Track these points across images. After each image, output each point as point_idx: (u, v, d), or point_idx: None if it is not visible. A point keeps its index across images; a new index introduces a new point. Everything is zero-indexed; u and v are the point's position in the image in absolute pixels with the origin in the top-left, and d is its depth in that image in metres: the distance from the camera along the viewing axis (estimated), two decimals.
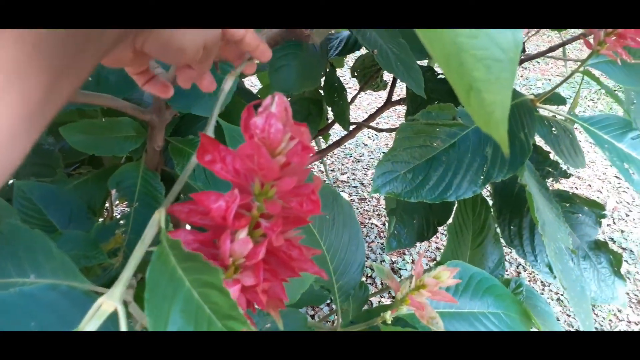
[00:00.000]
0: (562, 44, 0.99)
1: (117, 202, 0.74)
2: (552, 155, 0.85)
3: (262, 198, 0.31)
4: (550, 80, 3.27)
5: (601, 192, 2.13)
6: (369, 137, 2.69)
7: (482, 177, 0.63)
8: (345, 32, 1.15)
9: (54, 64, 0.24)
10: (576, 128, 0.86)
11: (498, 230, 0.77)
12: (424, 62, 1.15)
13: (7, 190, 0.77)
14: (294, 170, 0.30)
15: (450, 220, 0.79)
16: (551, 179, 0.83)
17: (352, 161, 2.51)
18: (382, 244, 1.86)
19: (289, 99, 1.18)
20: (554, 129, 0.82)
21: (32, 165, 0.84)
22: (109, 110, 0.75)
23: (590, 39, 0.68)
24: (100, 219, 0.93)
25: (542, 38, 3.74)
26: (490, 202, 0.78)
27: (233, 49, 0.41)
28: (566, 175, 0.83)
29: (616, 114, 0.72)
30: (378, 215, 2.04)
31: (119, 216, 0.70)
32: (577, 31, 1.01)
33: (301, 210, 0.30)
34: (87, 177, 0.77)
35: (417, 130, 0.65)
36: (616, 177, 2.23)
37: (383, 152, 2.60)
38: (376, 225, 1.98)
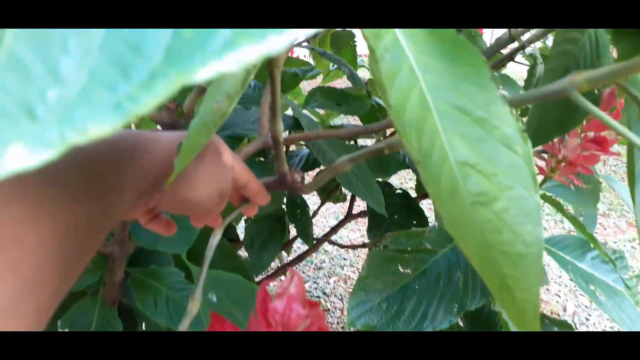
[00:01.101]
0: None
1: None
2: None
3: None
4: None
5: (559, 296, 2.16)
6: (329, 243, 2.69)
7: (456, 306, 0.62)
8: (305, 150, 1.18)
9: (68, 263, 0.23)
10: None
11: None
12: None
13: None
14: None
15: None
16: None
17: (314, 269, 2.47)
18: None
19: (251, 217, 1.17)
20: None
21: None
22: None
23: (543, 165, 0.72)
24: None
25: None
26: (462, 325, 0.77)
27: (234, 193, 0.41)
28: None
29: (576, 235, 0.74)
30: (342, 328, 1.97)
31: None
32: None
33: None
34: None
35: (387, 257, 0.65)
36: (571, 280, 2.28)
37: (344, 258, 2.59)
38: None
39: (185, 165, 0.23)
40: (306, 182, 0.42)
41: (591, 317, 2.02)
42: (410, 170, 1.08)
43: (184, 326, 0.33)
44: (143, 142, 0.30)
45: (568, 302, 2.13)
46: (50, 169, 0.22)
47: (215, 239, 0.36)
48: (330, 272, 2.44)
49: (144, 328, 0.81)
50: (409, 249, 0.66)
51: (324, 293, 2.24)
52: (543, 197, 0.72)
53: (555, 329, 0.78)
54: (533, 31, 0.67)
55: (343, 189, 1.53)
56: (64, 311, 0.66)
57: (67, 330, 0.65)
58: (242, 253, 1.47)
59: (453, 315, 0.63)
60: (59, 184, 0.22)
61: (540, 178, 0.77)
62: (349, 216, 1.32)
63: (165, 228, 0.40)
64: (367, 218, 1.18)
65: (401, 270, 0.65)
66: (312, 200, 2.81)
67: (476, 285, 0.64)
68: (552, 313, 2.09)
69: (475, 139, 0.22)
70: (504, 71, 1.36)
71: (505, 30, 0.70)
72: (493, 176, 0.22)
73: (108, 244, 0.66)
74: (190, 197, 0.33)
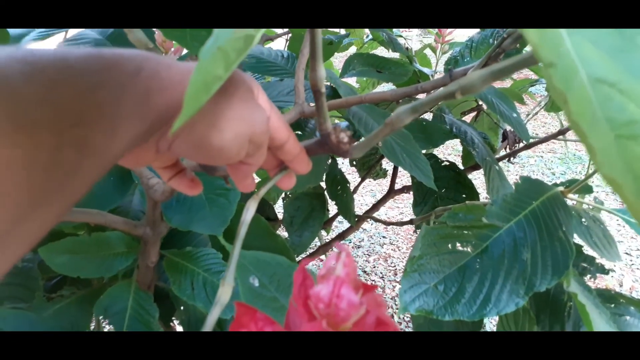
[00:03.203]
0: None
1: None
2: (585, 249, 0.78)
3: None
4: (542, 157, 3.28)
5: (614, 271, 2.04)
6: (367, 221, 2.62)
7: (523, 286, 0.55)
8: (343, 124, 1.11)
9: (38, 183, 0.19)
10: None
11: None
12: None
13: None
14: None
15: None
16: (589, 276, 0.75)
17: (352, 247, 2.42)
18: None
19: (291, 195, 1.12)
20: (583, 219, 0.76)
21: (7, 285, 0.75)
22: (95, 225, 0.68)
23: None
24: None
25: (537, 121, 3.81)
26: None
27: (269, 156, 0.34)
28: (604, 271, 0.75)
29: None
30: (397, 303, 1.92)
31: None
32: None
33: None
34: (70, 300, 0.67)
35: (444, 234, 0.58)
36: (626, 253, 2.15)
37: (383, 236, 2.52)
38: None
39: (197, 106, 0.16)
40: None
41: None
42: (459, 140, 1.00)
43: (212, 317, 0.27)
44: (153, 65, 0.24)
45: (624, 277, 2.01)
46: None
47: (249, 214, 0.30)
48: (370, 251, 2.38)
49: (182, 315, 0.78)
50: (469, 224, 0.59)
51: (364, 272, 2.19)
52: None
53: (632, 309, 0.70)
54: None
55: (383, 164, 1.46)
56: (97, 296, 0.63)
57: (101, 317, 0.62)
58: (281, 233, 1.43)
59: (520, 297, 0.56)
60: (9, 104, 0.18)
61: None
62: (391, 192, 1.25)
63: (189, 186, 0.34)
64: (410, 194, 1.11)
65: (460, 248, 0.58)
66: (349, 178, 2.76)
67: (547, 262, 0.57)
68: (607, 288, 1.98)
69: (614, 49, 0.16)
70: None
71: None
72: None
73: (140, 225, 0.61)
74: (211, 139, 0.26)
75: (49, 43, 0.91)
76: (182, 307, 0.80)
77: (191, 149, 0.27)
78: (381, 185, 2.95)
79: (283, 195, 1.28)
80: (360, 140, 0.36)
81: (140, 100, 0.23)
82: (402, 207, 2.77)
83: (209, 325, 0.27)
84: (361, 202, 2.76)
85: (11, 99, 0.18)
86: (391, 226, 2.59)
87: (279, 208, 1.60)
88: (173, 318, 0.85)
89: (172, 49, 0.89)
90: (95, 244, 0.63)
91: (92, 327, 0.85)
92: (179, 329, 1.16)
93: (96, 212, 0.57)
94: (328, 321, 0.21)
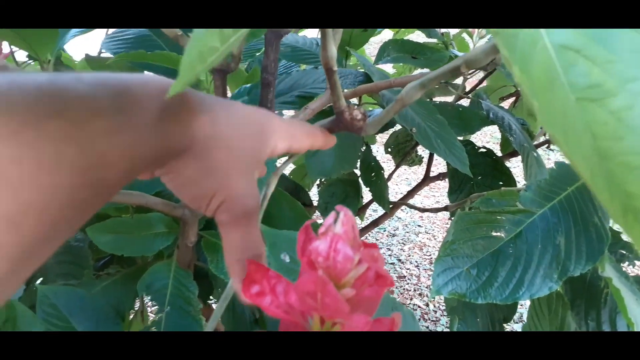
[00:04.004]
0: None
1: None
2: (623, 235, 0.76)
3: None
4: None
5: None
6: (402, 209, 2.61)
7: (557, 271, 0.55)
8: (377, 111, 1.12)
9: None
10: None
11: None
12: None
13: (32, 294, 0.72)
14: (364, 305, 0.23)
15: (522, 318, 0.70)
16: (627, 263, 0.74)
17: (387, 236, 2.42)
18: (427, 327, 1.73)
19: (325, 182, 1.14)
20: None
21: (60, 263, 0.80)
22: (137, 206, 0.71)
23: None
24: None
25: None
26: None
27: None
28: None
29: None
30: (420, 295, 1.92)
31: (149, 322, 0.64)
32: None
33: None
34: (116, 278, 0.71)
35: (477, 219, 0.59)
36: None
37: (418, 225, 2.51)
38: (419, 306, 1.86)
39: (192, 75, 0.17)
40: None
41: None
42: (496, 126, 0.99)
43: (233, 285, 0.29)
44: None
45: None
46: None
47: (270, 188, 0.32)
48: (405, 239, 2.38)
49: (219, 291, 0.81)
50: (502, 210, 0.59)
51: (399, 260, 2.19)
52: None
53: None
54: None
55: (419, 151, 1.45)
56: (141, 274, 0.66)
57: (144, 294, 0.65)
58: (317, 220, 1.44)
59: (553, 282, 0.55)
60: (37, 142, 0.17)
61: None
62: (427, 179, 1.25)
63: None
64: (446, 181, 1.11)
65: (493, 233, 0.58)
66: (384, 165, 2.76)
67: (581, 247, 0.56)
68: None
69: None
70: None
71: None
72: (608, 64, 0.16)
73: (179, 207, 0.64)
74: (246, 207, 0.28)
75: (92, 36, 0.94)
76: (219, 289, 0.84)
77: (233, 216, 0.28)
78: (416, 174, 2.93)
79: (317, 182, 1.30)
80: (374, 116, 0.37)
81: (159, 144, 0.23)
82: (439, 195, 2.74)
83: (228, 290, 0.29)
84: (396, 191, 2.75)
85: (37, 137, 0.17)
86: (427, 215, 2.58)
87: (314, 196, 1.62)
88: (211, 297, 0.89)
89: None
90: (137, 225, 0.67)
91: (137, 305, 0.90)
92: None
93: (138, 194, 0.60)
94: (328, 273, 0.22)
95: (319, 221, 1.07)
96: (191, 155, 0.25)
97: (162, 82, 0.24)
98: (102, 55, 0.96)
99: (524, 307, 1.74)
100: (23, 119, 0.17)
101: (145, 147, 0.22)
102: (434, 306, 1.87)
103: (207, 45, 0.16)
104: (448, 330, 1.87)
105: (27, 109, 0.18)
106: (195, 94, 0.26)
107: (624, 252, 0.74)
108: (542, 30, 0.17)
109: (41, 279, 0.80)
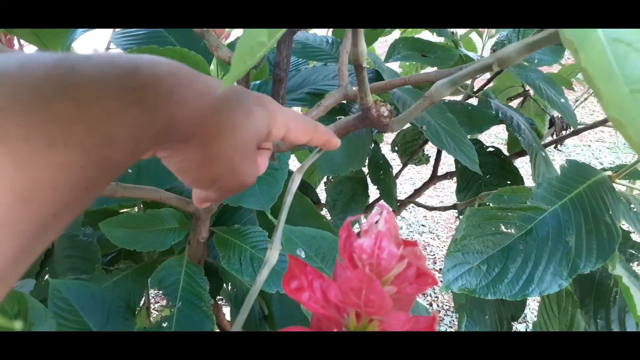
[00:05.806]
0: None
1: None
2: (634, 235, 0.76)
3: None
4: (589, 146, 3.18)
5: None
6: (406, 209, 2.61)
7: (567, 268, 0.55)
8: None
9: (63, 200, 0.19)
10: None
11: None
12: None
13: (42, 289, 0.72)
14: (402, 302, 0.24)
15: (530, 315, 0.70)
16: (636, 262, 0.74)
17: None
18: None
19: (333, 179, 1.14)
20: (632, 205, 0.74)
21: (69, 257, 0.80)
22: (150, 201, 0.71)
23: None
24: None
25: (585, 109, 3.68)
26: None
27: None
28: None
29: None
30: (423, 294, 1.92)
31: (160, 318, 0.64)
32: None
33: None
34: (127, 273, 0.72)
35: (488, 216, 0.59)
36: None
37: (422, 225, 2.51)
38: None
39: (244, 68, 0.17)
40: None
41: None
42: (503, 128, 0.99)
43: (262, 275, 0.29)
44: (183, 90, 0.24)
45: None
46: None
47: (294, 183, 0.32)
48: (409, 239, 2.38)
49: (229, 287, 0.81)
50: (513, 206, 0.59)
51: None
52: None
53: None
54: None
55: (425, 150, 1.46)
56: (151, 269, 0.66)
57: (157, 289, 0.65)
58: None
59: (563, 279, 0.56)
60: (44, 123, 0.18)
61: None
62: (434, 177, 1.25)
63: None
64: (452, 181, 1.11)
65: (504, 229, 0.58)
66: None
67: (591, 245, 0.57)
68: None
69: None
70: None
71: None
72: None
73: (192, 202, 0.65)
74: (243, 184, 0.30)
75: (100, 30, 0.95)
76: (229, 285, 0.84)
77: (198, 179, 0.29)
78: (421, 174, 2.93)
79: (325, 179, 1.30)
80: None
81: (164, 126, 0.24)
82: (443, 195, 2.74)
83: (258, 283, 0.29)
84: (400, 190, 2.75)
85: (46, 117, 0.18)
86: (430, 215, 2.57)
87: (321, 193, 1.63)
88: (219, 296, 0.89)
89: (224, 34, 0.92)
90: (150, 220, 0.67)
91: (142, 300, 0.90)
92: (225, 308, 1.20)
93: (152, 189, 0.60)
94: (371, 270, 0.23)
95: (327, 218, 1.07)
96: (199, 142, 0.26)
97: (172, 64, 0.25)
98: (110, 50, 0.96)
99: (528, 307, 1.74)
100: (32, 99, 0.18)
101: (151, 129, 0.23)
102: (437, 305, 1.88)
103: (256, 40, 0.17)
104: (450, 330, 1.86)
105: (35, 89, 0.18)
106: (203, 78, 0.27)
107: (633, 251, 0.74)
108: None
109: (49, 274, 0.81)
